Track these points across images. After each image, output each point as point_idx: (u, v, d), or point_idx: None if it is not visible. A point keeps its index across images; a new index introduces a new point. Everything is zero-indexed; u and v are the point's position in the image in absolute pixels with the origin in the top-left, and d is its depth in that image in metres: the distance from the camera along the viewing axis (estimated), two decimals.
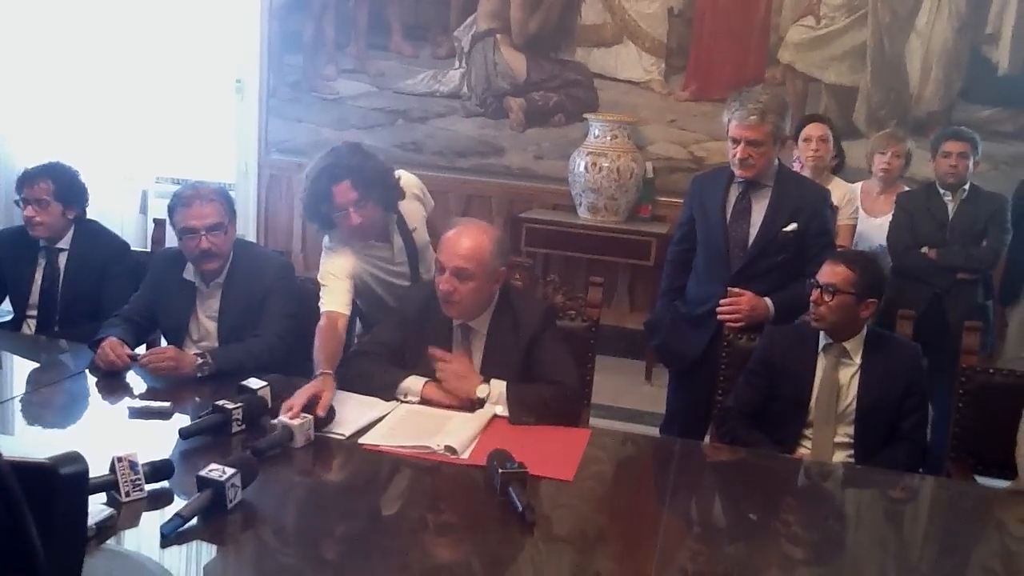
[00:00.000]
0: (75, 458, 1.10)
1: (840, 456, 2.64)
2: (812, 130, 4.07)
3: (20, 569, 0.99)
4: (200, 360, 2.65)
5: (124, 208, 5.68)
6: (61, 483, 1.07)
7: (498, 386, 2.49)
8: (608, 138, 5.14)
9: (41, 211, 3.20)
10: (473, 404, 2.48)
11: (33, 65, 5.51)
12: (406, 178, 2.99)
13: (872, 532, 2.16)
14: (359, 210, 2.73)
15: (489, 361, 2.59)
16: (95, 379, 2.63)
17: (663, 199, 5.23)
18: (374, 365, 2.59)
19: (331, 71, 5.74)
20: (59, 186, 3.21)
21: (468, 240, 2.53)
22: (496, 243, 2.58)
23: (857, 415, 2.63)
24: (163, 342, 2.97)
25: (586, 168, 5.11)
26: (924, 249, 3.89)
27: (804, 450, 2.66)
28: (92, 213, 3.43)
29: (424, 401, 2.50)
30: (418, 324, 2.65)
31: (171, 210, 2.85)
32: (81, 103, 5.62)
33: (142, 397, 2.50)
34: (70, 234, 3.30)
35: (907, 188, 4.18)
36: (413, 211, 3.02)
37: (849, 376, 2.66)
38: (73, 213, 3.27)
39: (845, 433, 2.65)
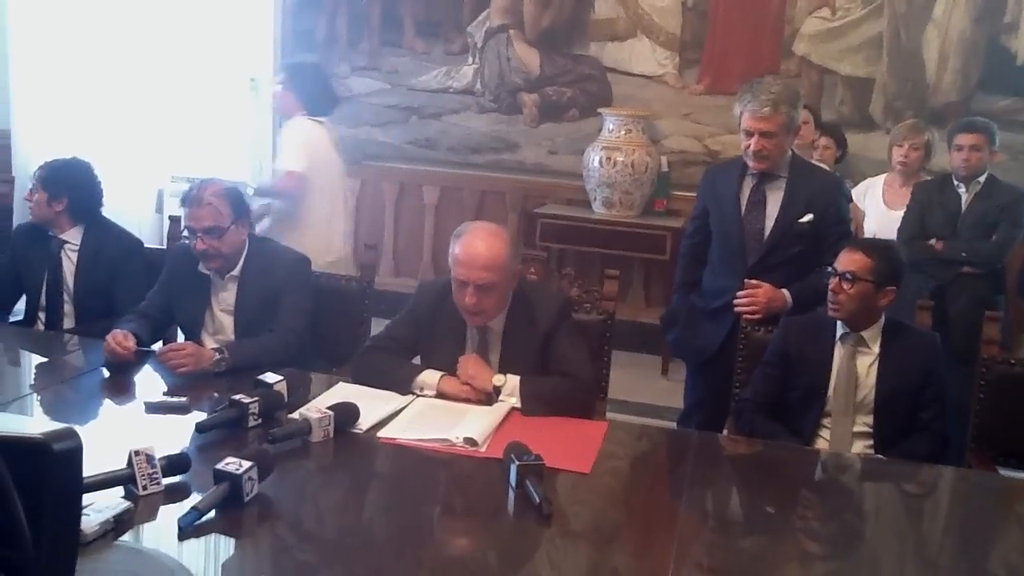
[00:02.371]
0: (69, 434, 1.05)
1: (859, 446, 2.61)
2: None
3: (6, 550, 0.95)
4: (218, 356, 2.65)
5: (140, 208, 5.69)
6: (54, 460, 1.02)
7: (512, 379, 2.49)
8: (622, 132, 5.12)
9: (31, 195, 3.32)
10: (489, 397, 2.48)
11: (48, 65, 5.53)
12: (305, 127, 3.93)
13: (891, 525, 2.15)
14: (280, 89, 4.00)
15: (507, 358, 2.58)
16: (111, 374, 2.64)
17: (678, 193, 5.20)
18: (389, 360, 2.59)
19: (344, 68, 5.74)
20: (45, 176, 3.29)
21: (485, 249, 2.48)
22: (509, 243, 2.55)
23: (876, 404, 2.61)
24: (180, 336, 2.98)
25: (600, 163, 5.09)
26: (932, 241, 3.86)
27: (823, 441, 2.64)
28: (108, 213, 3.43)
29: (440, 395, 2.50)
30: (431, 322, 2.65)
31: (182, 205, 2.88)
32: (96, 103, 5.62)
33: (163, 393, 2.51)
34: (79, 230, 3.30)
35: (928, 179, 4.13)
36: (289, 145, 3.93)
37: (867, 365, 2.63)
38: (60, 206, 3.26)
39: (864, 423, 2.62)
